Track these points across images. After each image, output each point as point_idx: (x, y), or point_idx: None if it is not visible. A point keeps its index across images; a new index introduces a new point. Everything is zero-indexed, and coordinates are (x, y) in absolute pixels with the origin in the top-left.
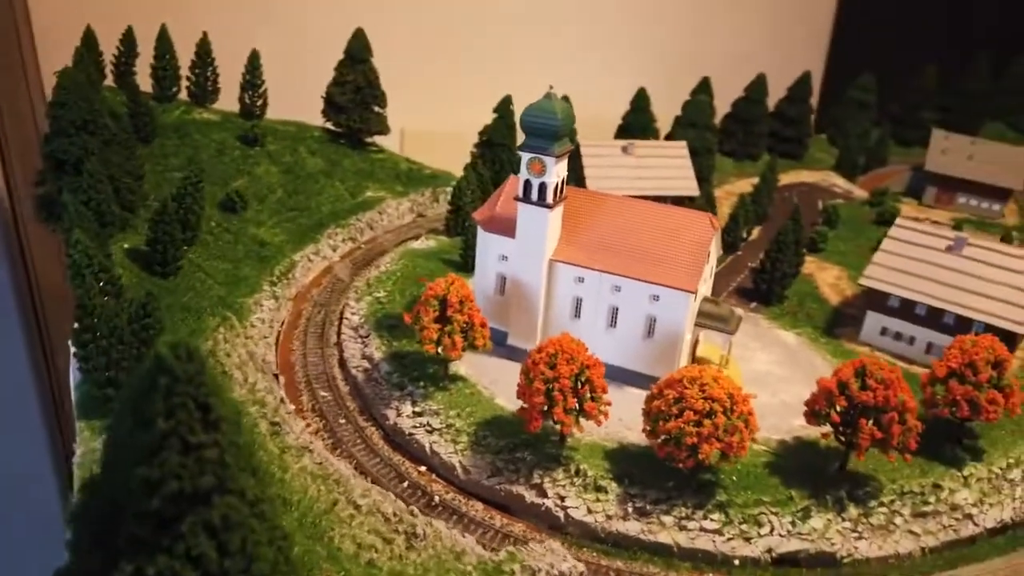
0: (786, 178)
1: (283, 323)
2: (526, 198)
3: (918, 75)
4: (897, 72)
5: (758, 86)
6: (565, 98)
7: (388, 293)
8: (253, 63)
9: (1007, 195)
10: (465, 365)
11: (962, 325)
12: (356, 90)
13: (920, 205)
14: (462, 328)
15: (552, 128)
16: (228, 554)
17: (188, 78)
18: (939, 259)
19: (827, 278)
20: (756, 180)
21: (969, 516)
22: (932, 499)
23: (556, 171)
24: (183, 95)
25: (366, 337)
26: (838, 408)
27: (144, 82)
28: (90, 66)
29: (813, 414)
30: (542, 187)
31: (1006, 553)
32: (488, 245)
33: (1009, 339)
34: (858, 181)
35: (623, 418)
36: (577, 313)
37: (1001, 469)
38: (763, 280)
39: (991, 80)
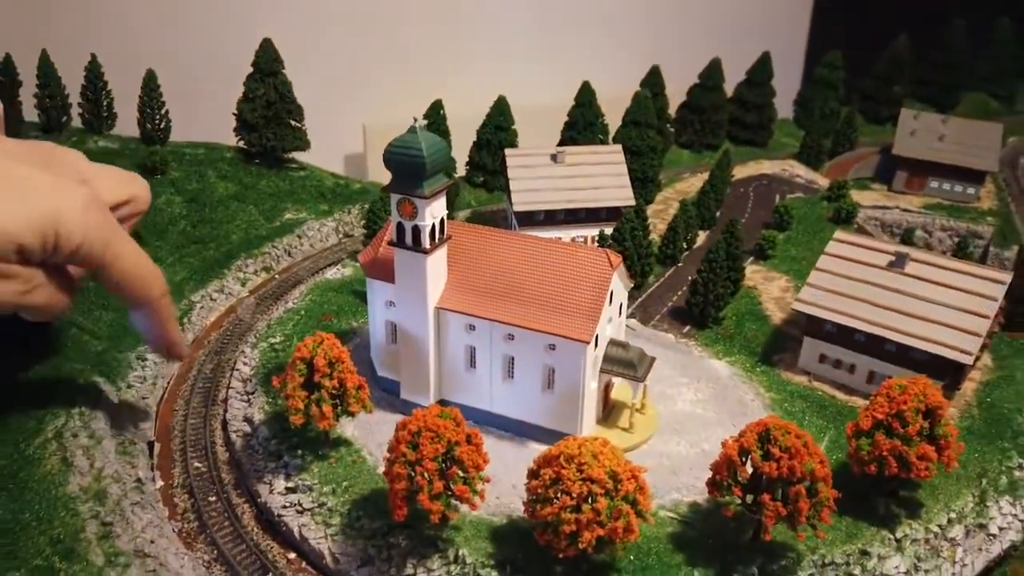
0: (744, 170)
1: (171, 378)
2: (401, 243)
3: (890, 47)
4: (870, 47)
5: (713, 71)
6: (431, 127)
7: (285, 338)
8: (150, 83)
9: (982, 177)
10: (351, 425)
11: (905, 352)
12: (268, 105)
13: (890, 191)
14: (332, 394)
15: (419, 165)
16: None
17: (80, 104)
18: (879, 278)
19: (773, 291)
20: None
21: None
22: (857, 570)
23: (430, 212)
24: (77, 123)
25: (251, 394)
26: (741, 479)
27: (31, 112)
28: None
29: (715, 485)
30: (416, 230)
31: None
32: (375, 290)
33: (956, 368)
34: (824, 168)
35: (517, 485)
36: (472, 363)
37: (940, 527)
38: (695, 303)
39: (968, 47)
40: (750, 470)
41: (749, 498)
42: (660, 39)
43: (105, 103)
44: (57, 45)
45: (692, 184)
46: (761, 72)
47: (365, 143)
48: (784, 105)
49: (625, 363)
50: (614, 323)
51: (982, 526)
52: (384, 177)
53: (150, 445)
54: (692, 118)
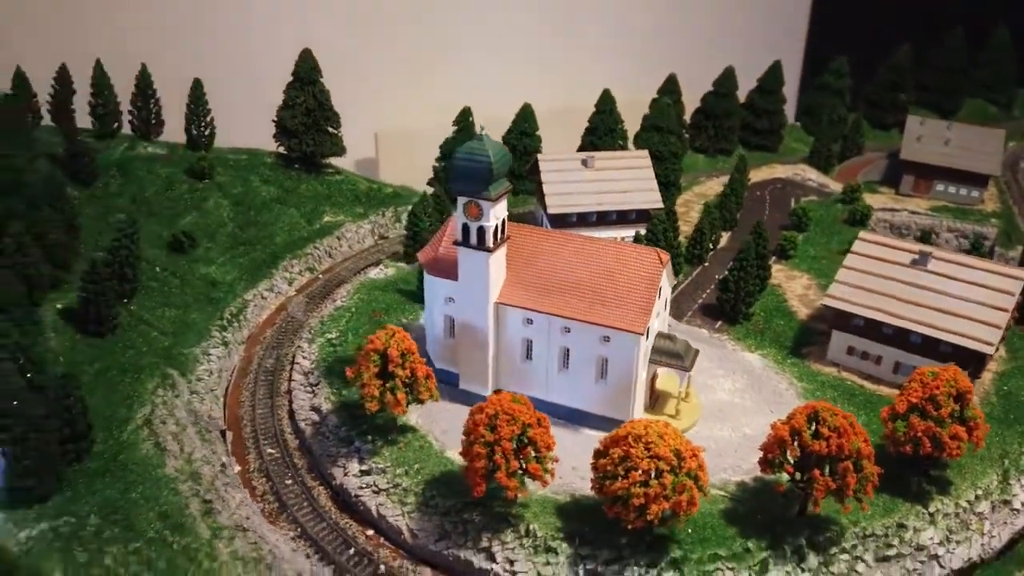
0: (759, 174)
1: (233, 371)
2: (465, 242)
3: (893, 55)
4: (873, 54)
5: (726, 79)
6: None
7: (340, 334)
8: (196, 92)
9: (985, 181)
10: (416, 413)
11: (930, 344)
12: (307, 112)
13: (897, 194)
14: (405, 383)
15: (485, 170)
16: None
17: (130, 112)
18: (903, 275)
19: (796, 288)
20: (727, 179)
21: (935, 557)
22: (896, 541)
23: (494, 213)
24: (126, 129)
25: (315, 385)
26: (791, 458)
27: (84, 119)
28: (18, 114)
29: (767, 463)
30: (480, 231)
31: None
32: (434, 287)
33: (978, 358)
34: (834, 172)
35: (576, 467)
36: (528, 355)
37: (969, 502)
38: (727, 299)
39: (968, 55)
40: (799, 450)
41: (799, 475)
42: (673, 49)
43: (154, 111)
44: (110, 55)
45: (709, 187)
46: (772, 79)
47: (377, 149)
48: (787, 110)
49: (673, 354)
50: (661, 317)
51: (1006, 502)
52: (393, 180)
53: (222, 433)
54: (706, 124)
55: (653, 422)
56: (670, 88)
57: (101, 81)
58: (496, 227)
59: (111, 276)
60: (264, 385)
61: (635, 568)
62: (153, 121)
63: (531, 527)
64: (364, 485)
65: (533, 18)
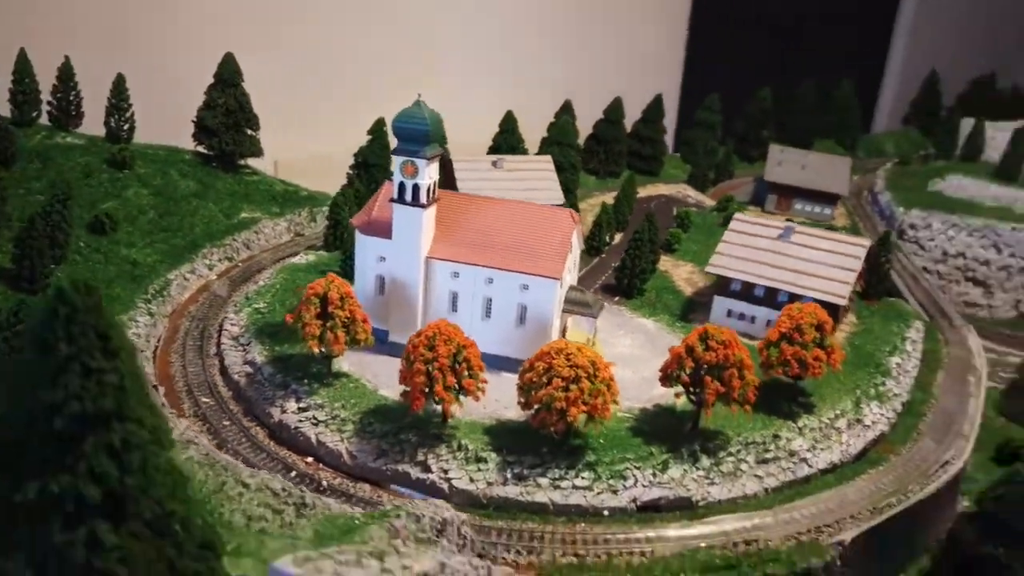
0: (645, 191)
1: (160, 339)
2: (400, 199)
3: (756, 98)
4: (740, 95)
5: (615, 108)
6: None
7: (268, 304)
8: (119, 87)
9: (835, 199)
10: (347, 363)
11: (795, 301)
12: (227, 113)
13: (763, 211)
14: (344, 323)
15: (422, 132)
16: (128, 473)
17: (50, 102)
18: (772, 246)
19: (681, 274)
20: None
21: (804, 460)
22: (772, 447)
23: (428, 173)
24: (45, 119)
25: (247, 345)
26: (687, 370)
27: (3, 107)
28: None
29: (666, 377)
30: (415, 188)
31: (835, 487)
32: (366, 248)
33: (833, 310)
34: (708, 192)
35: (500, 399)
36: (454, 307)
37: (830, 419)
38: (624, 276)
39: (817, 103)
40: (693, 362)
41: (693, 388)
42: (567, 77)
43: (74, 102)
44: (35, 47)
45: (602, 201)
46: (655, 111)
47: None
48: (668, 141)
49: (583, 303)
50: (572, 275)
51: (859, 420)
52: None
53: (155, 388)
54: (598, 149)
55: (572, 342)
56: (567, 112)
57: (23, 69)
58: (429, 186)
59: (44, 236)
60: (193, 349)
61: (556, 470)
62: (73, 113)
63: (462, 443)
64: (303, 419)
65: (438, 43)
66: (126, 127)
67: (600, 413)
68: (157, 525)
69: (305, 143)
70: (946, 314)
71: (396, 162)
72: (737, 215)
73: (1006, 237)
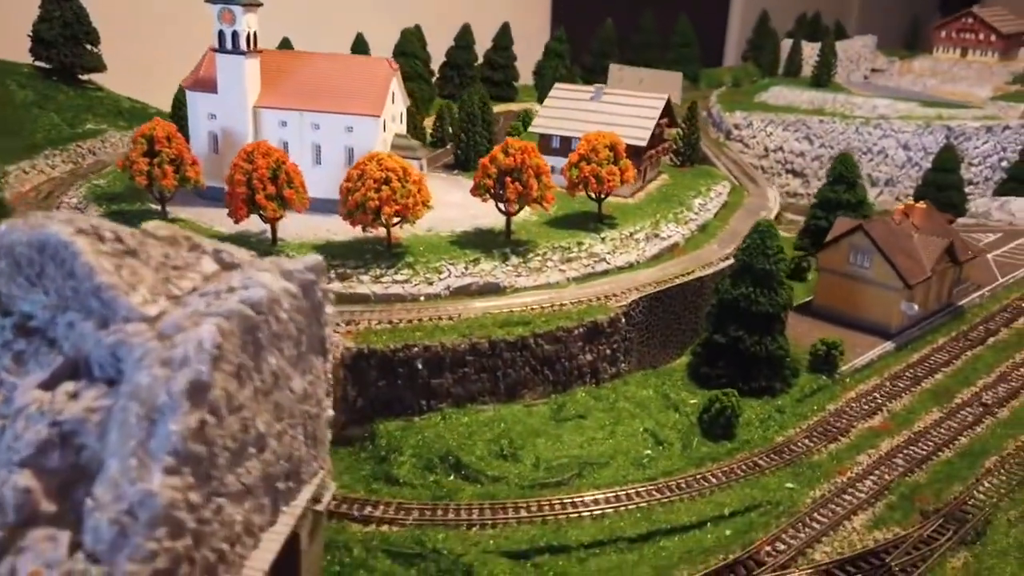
0: (497, 109)
1: None
2: (221, 48)
3: (602, 30)
4: (588, 26)
5: (465, 33)
6: None
7: (108, 181)
8: None
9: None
10: (186, 212)
11: None
12: (64, 25)
13: None
14: (171, 160)
15: None
16: None
17: None
18: (585, 106)
19: None
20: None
21: (604, 259)
22: (576, 250)
23: (246, 21)
24: None
25: (84, 209)
26: (492, 175)
27: None
28: None
29: (477, 187)
30: (235, 35)
31: (627, 271)
32: (196, 107)
33: (636, 152)
34: None
35: (331, 229)
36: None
37: (630, 233)
38: (460, 151)
39: (662, 39)
40: (495, 169)
41: (498, 190)
42: (421, 6)
43: None
44: None
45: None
46: (504, 38)
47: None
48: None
49: (408, 147)
50: (396, 124)
51: (656, 235)
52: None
53: None
54: (452, 74)
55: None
56: (418, 36)
57: None
58: (248, 34)
59: None
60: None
61: (377, 270)
62: None
63: (289, 255)
64: None
65: None
66: None
67: (412, 212)
68: None
69: (150, 60)
70: (754, 179)
71: (214, 11)
72: (557, 85)
73: (816, 129)
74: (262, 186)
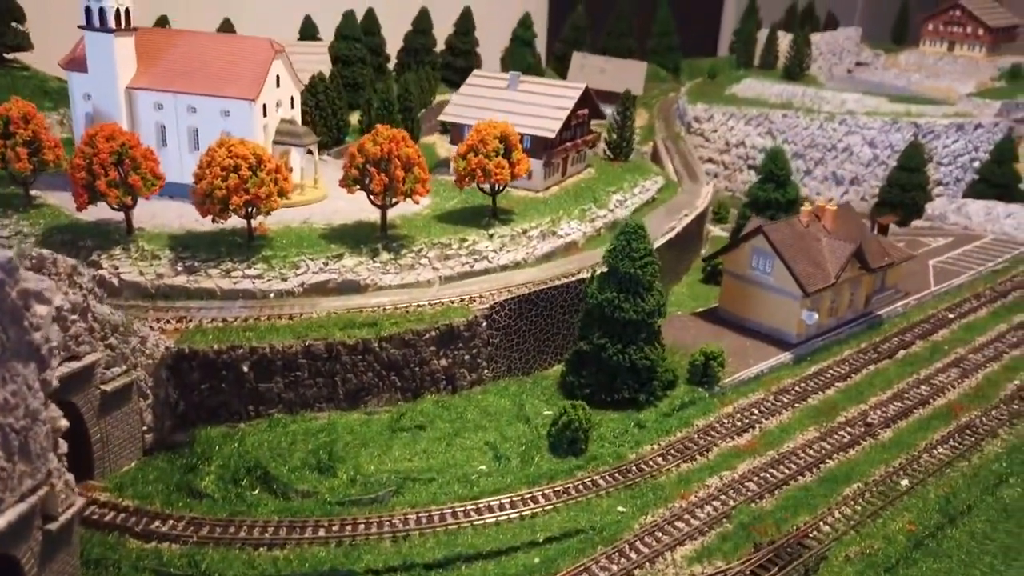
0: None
1: None
2: (89, 25)
3: (570, 17)
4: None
5: (422, 18)
6: None
7: None
8: None
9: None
10: (54, 197)
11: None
12: None
13: None
14: (26, 142)
15: None
16: None
17: None
18: (500, 95)
19: (444, 144)
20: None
21: (486, 257)
22: (457, 246)
23: None
24: None
25: None
26: (359, 166)
27: None
28: None
29: (345, 179)
30: (102, 12)
31: (509, 270)
32: (74, 87)
33: (548, 144)
34: None
35: (200, 219)
36: (164, 141)
37: (524, 230)
38: None
39: (635, 24)
40: (363, 157)
41: (366, 180)
42: None
43: None
44: None
45: None
46: (464, 23)
47: None
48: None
49: (294, 134)
50: (284, 110)
51: (554, 232)
52: None
53: None
54: (409, 60)
55: (235, 140)
56: (369, 19)
57: None
58: (118, 10)
59: None
60: None
61: (229, 263)
62: None
63: (141, 245)
64: None
65: None
66: None
67: (265, 203)
68: None
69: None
70: (695, 175)
71: None
72: (475, 72)
73: (779, 123)
74: (103, 172)
